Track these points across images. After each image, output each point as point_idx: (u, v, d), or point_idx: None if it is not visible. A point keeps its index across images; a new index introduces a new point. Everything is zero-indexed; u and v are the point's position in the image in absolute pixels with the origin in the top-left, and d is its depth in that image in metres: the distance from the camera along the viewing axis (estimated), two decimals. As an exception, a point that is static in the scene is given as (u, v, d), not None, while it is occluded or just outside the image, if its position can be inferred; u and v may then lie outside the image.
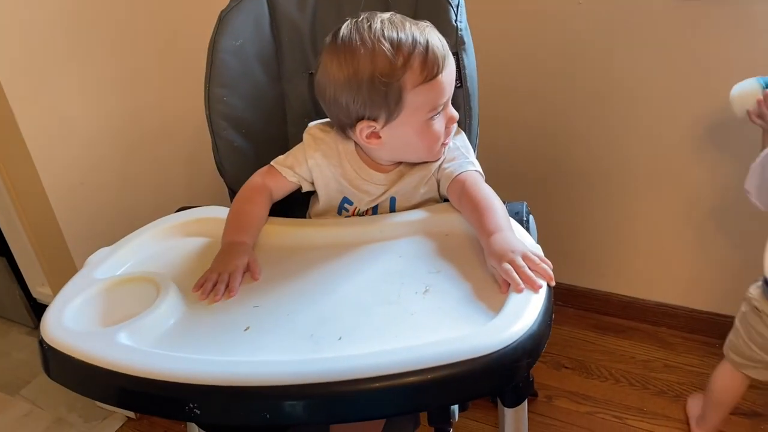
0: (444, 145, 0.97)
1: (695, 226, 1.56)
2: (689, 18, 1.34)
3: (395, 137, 0.93)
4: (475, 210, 0.88)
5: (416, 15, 1.04)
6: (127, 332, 0.75)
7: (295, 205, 1.06)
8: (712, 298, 1.63)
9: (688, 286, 1.65)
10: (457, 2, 1.02)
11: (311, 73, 1.09)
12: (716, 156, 1.45)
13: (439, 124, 0.93)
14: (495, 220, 0.84)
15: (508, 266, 0.78)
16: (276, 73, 1.12)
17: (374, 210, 1.01)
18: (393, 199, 1.00)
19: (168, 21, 1.61)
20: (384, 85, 0.88)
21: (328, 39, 0.93)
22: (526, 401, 0.96)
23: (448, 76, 0.91)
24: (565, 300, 1.82)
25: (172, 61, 1.63)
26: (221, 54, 1.05)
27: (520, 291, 0.75)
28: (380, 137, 0.94)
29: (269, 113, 1.12)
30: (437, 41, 0.90)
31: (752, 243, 1.48)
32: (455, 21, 1.01)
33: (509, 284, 0.76)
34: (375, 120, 0.92)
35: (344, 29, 0.91)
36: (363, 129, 0.93)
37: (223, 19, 1.07)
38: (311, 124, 1.02)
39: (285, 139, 1.13)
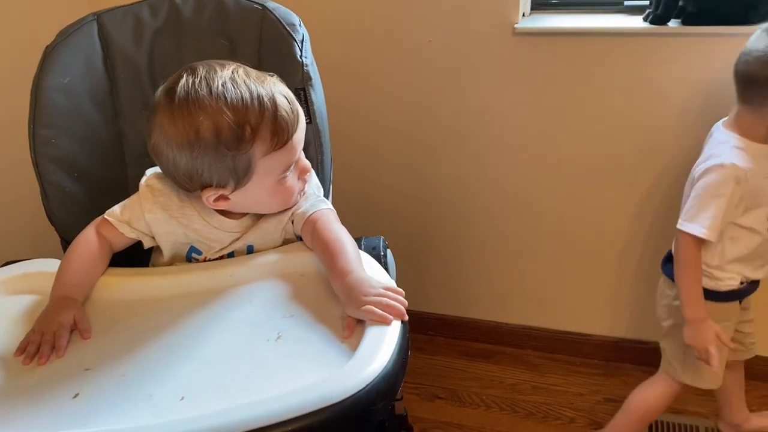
0: (302, 192, 0.94)
1: (556, 250, 1.63)
2: (528, 53, 1.42)
3: (246, 198, 0.89)
4: (326, 251, 0.85)
5: (260, 52, 1.01)
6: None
7: (141, 249, 0.98)
8: (572, 318, 1.71)
9: (551, 307, 1.72)
10: (301, 37, 1.01)
11: (152, 110, 1.02)
12: (573, 178, 1.53)
13: (292, 179, 0.91)
14: (345, 262, 0.82)
15: (369, 308, 0.76)
16: (112, 112, 1.04)
17: (230, 256, 0.95)
18: (250, 247, 0.95)
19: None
20: (231, 157, 0.83)
21: (160, 95, 0.86)
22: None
23: (299, 134, 0.88)
24: (436, 330, 1.83)
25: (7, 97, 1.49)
26: (47, 92, 0.97)
27: (389, 323, 0.75)
28: (229, 199, 0.89)
29: (105, 155, 1.04)
30: (285, 102, 0.85)
31: (609, 264, 1.58)
32: (300, 57, 0.99)
33: (352, 329, 0.75)
34: (223, 187, 0.87)
35: (181, 88, 0.83)
36: (210, 196, 0.88)
37: (48, 54, 0.99)
38: (149, 171, 0.94)
39: (124, 182, 1.05)
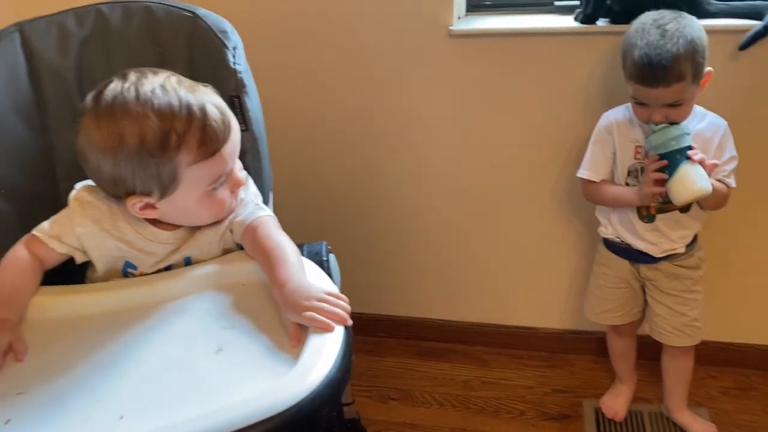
0: (235, 204, 0.93)
1: (499, 247, 1.65)
2: (464, 54, 1.44)
3: (174, 208, 0.88)
4: (267, 259, 0.85)
5: (192, 62, 0.99)
6: None
7: (75, 269, 0.95)
8: (519, 312, 1.74)
9: (498, 303, 1.74)
10: (234, 45, 0.99)
11: (82, 123, 0.99)
12: (514, 176, 1.55)
13: (223, 192, 0.89)
14: (286, 270, 0.82)
15: (311, 314, 0.76)
16: (39, 125, 1.01)
17: (167, 269, 0.93)
18: (188, 260, 0.93)
19: None
20: (155, 165, 0.82)
21: (89, 98, 0.84)
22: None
23: (230, 146, 0.87)
24: (387, 331, 1.84)
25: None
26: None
27: (332, 329, 0.75)
28: (156, 208, 0.87)
29: (34, 169, 1.01)
30: (216, 113, 0.84)
31: (551, 258, 1.62)
32: (233, 64, 0.98)
33: (298, 337, 0.75)
34: (148, 195, 0.85)
35: (109, 92, 0.82)
36: (135, 203, 0.86)
37: (-33, 69, 0.95)
38: (78, 185, 0.92)
39: (56, 197, 1.01)
